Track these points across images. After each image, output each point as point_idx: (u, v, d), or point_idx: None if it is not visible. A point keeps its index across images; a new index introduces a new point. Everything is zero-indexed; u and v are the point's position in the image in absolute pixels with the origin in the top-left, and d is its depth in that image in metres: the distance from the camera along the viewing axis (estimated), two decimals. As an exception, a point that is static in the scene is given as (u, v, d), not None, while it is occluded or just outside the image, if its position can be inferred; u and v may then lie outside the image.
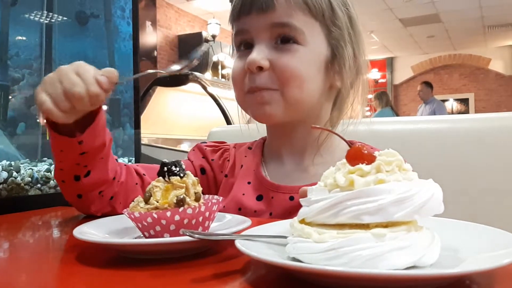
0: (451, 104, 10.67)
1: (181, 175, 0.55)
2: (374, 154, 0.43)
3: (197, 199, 0.55)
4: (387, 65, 11.08)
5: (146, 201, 0.54)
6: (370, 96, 10.51)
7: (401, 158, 0.43)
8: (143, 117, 1.63)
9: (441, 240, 0.42)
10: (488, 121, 1.06)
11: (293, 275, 0.42)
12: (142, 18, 5.87)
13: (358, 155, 0.43)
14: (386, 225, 0.40)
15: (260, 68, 0.79)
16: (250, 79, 0.81)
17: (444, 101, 10.55)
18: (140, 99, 1.54)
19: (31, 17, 1.24)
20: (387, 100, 5.86)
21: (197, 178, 0.58)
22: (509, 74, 10.13)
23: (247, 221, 0.58)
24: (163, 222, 0.52)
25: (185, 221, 0.53)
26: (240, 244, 0.43)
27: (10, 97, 1.17)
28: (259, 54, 0.79)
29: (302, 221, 0.43)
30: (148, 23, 6.11)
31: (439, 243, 0.42)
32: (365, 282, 0.37)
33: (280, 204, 0.83)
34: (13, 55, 1.17)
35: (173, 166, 0.55)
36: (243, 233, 0.49)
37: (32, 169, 1.15)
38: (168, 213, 0.52)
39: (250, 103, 0.83)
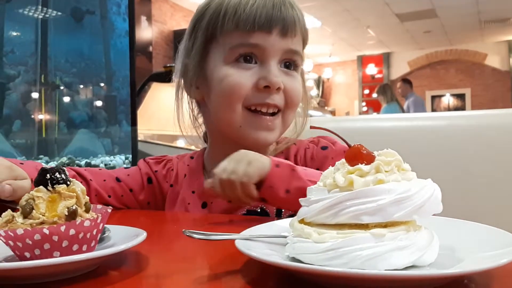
0: (448, 99, 10.67)
1: (68, 182, 0.48)
2: (373, 154, 0.43)
3: (87, 210, 0.49)
4: (383, 60, 11.07)
5: (26, 216, 0.45)
6: (367, 91, 10.52)
7: (400, 158, 0.43)
8: (138, 113, 1.62)
9: (439, 239, 0.42)
10: (485, 117, 1.06)
11: (293, 275, 0.42)
12: (137, 13, 5.84)
13: (357, 155, 0.43)
14: (385, 225, 0.40)
15: (278, 89, 0.81)
16: (263, 96, 0.81)
17: (440, 96, 10.55)
18: (136, 95, 1.53)
19: (26, 13, 1.23)
20: (392, 94, 5.80)
21: (84, 187, 0.50)
22: (505, 69, 10.14)
23: (142, 233, 0.50)
24: (55, 238, 0.44)
25: (81, 235, 0.46)
26: (240, 244, 0.43)
27: (5, 94, 1.16)
28: (277, 76, 0.81)
29: (302, 221, 0.43)
30: (143, 18, 6.07)
31: (437, 243, 0.42)
32: (365, 282, 0.37)
33: (219, 207, 0.85)
34: (8, 52, 1.16)
35: (57, 173, 0.47)
36: (242, 233, 0.49)
37: (28, 167, 1.14)
38: (63, 228, 0.44)
39: (253, 124, 0.82)
